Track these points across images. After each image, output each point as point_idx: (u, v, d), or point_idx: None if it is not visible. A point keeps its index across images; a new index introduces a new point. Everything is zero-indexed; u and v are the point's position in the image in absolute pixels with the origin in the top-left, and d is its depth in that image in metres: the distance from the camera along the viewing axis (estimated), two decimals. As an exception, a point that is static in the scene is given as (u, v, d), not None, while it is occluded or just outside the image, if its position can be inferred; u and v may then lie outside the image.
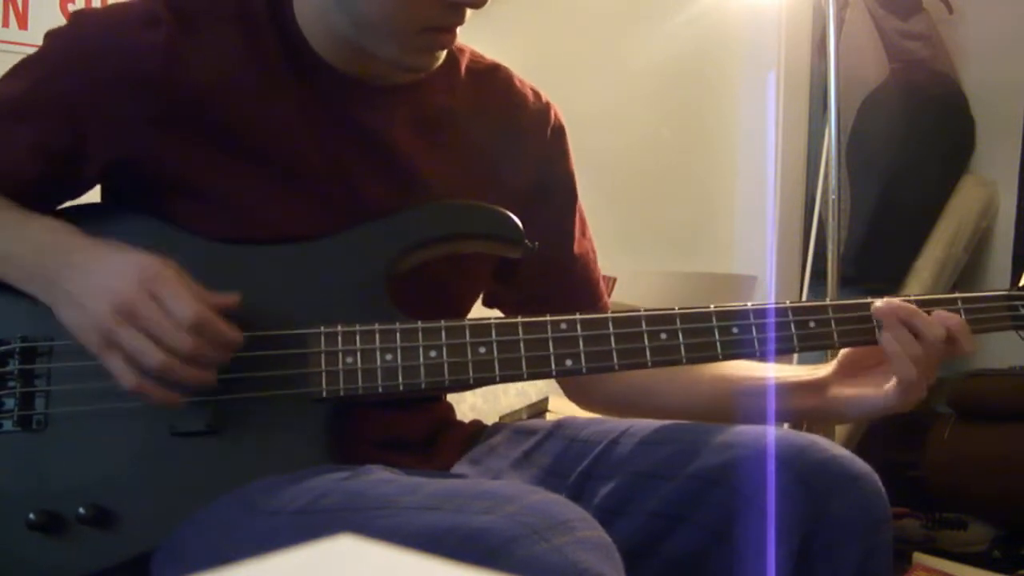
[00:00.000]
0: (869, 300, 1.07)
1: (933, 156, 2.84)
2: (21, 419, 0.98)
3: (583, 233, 1.23)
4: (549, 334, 1.00)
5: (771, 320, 1.03)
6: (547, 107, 1.19)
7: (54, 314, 0.96)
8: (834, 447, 0.94)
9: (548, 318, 1.01)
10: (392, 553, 0.36)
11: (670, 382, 1.16)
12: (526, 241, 1.05)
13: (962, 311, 1.07)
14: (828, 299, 1.08)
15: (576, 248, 1.21)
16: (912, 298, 1.07)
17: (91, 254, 0.95)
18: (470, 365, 0.99)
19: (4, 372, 0.99)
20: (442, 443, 1.11)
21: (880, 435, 2.59)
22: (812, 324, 1.05)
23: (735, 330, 1.03)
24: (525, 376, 1.00)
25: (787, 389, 1.13)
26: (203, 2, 1.02)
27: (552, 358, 1.00)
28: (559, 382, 1.25)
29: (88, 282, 0.93)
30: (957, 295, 1.09)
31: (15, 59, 1.05)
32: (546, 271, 1.18)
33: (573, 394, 1.25)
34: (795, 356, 1.03)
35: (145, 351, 0.91)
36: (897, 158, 2.76)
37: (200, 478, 0.96)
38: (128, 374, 0.92)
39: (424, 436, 1.10)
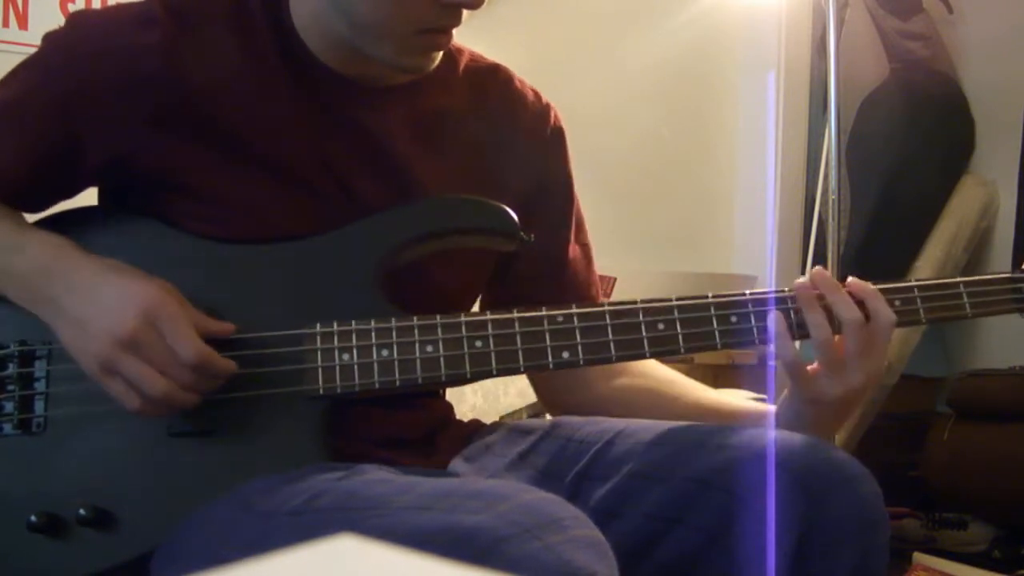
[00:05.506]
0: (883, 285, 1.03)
1: (933, 156, 2.84)
2: (21, 422, 0.99)
3: (579, 236, 1.22)
4: (546, 327, 1.00)
5: (771, 309, 1.03)
6: (547, 108, 1.19)
7: (54, 333, 0.96)
8: (831, 448, 0.94)
9: (544, 311, 1.01)
10: (389, 553, 0.36)
11: (652, 407, 1.13)
12: (522, 233, 1.04)
13: (965, 295, 1.06)
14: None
15: (570, 252, 1.20)
16: (915, 283, 1.05)
17: (93, 276, 0.95)
18: (466, 358, 0.99)
19: (3, 376, 1.00)
20: (441, 442, 1.11)
21: (880, 435, 2.59)
22: None
23: (734, 319, 1.03)
24: (522, 368, 1.00)
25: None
26: (199, 2, 1.02)
27: (549, 350, 1.00)
28: (536, 391, 1.24)
29: (89, 307, 0.94)
30: (959, 279, 1.07)
31: (15, 59, 1.05)
32: (539, 272, 1.17)
33: (549, 405, 1.24)
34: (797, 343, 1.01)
35: (147, 379, 0.92)
36: (897, 158, 2.76)
37: (198, 478, 0.96)
38: (131, 398, 0.93)
39: (423, 435, 1.10)
